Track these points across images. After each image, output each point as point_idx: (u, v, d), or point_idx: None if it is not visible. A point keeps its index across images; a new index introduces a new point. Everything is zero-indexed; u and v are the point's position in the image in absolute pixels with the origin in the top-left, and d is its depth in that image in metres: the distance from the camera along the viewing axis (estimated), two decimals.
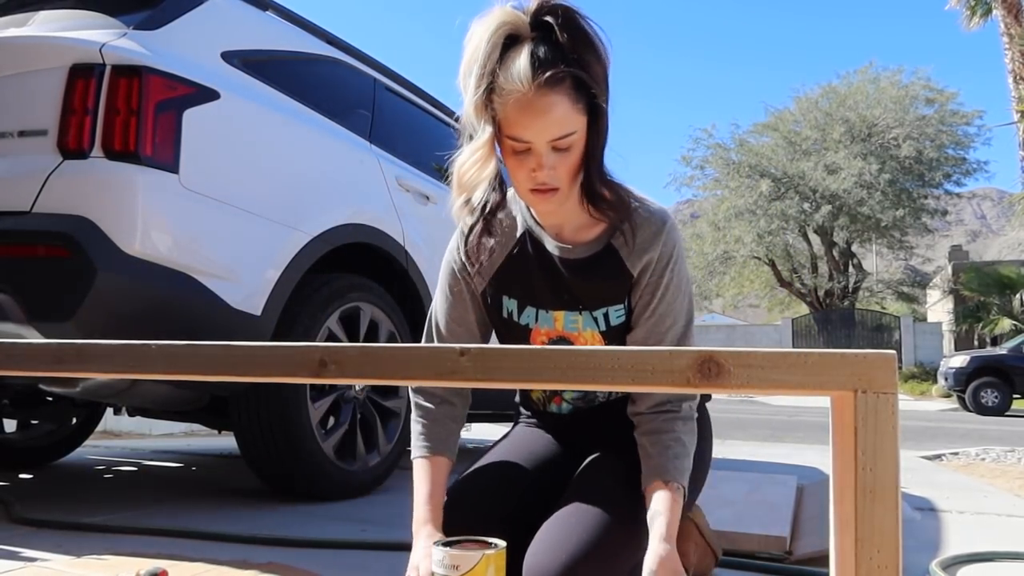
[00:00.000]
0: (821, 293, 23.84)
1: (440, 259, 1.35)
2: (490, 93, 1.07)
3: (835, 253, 23.57)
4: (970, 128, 21.93)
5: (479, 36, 1.07)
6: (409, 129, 3.38)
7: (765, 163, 22.49)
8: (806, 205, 22.07)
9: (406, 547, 1.20)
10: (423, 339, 1.36)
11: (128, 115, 2.03)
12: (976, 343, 20.16)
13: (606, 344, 1.24)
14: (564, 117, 1.07)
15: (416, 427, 1.28)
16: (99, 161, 2.02)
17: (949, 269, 23.95)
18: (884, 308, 25.31)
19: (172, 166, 2.09)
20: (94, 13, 2.30)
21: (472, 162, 1.11)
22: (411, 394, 1.31)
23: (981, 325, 19.26)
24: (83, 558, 1.73)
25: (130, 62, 2.07)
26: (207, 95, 2.21)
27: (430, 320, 1.35)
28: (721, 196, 23.51)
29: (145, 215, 2.04)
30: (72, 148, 2.03)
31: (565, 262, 1.23)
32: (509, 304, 1.27)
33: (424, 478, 1.23)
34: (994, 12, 16.18)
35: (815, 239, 23.92)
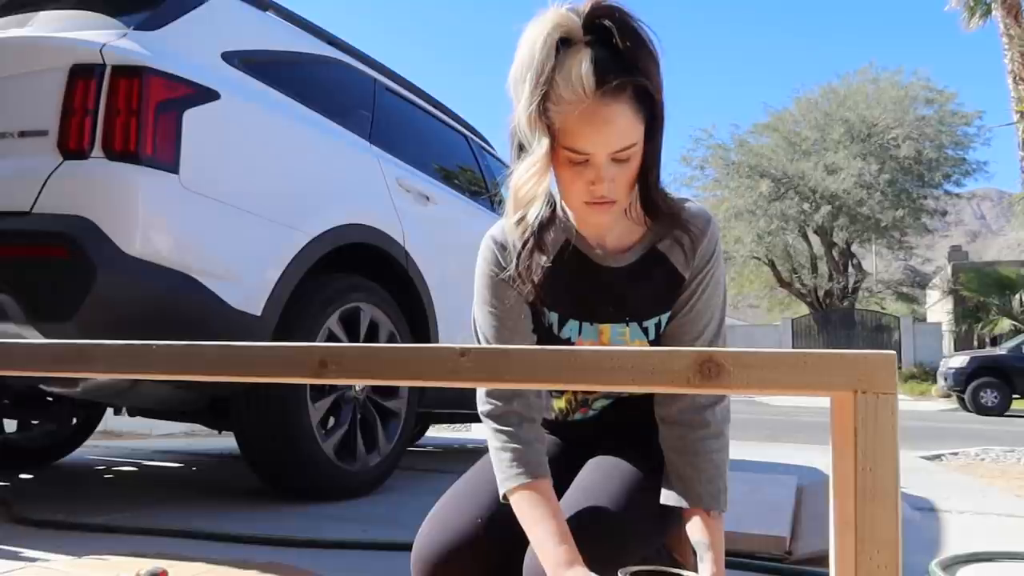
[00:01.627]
0: (821, 293, 23.84)
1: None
2: (545, 101, 1.00)
3: (835, 253, 23.57)
4: (970, 128, 21.95)
5: (532, 39, 1.01)
6: (409, 130, 3.38)
7: (765, 163, 22.48)
8: (806, 205, 22.06)
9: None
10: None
11: (128, 115, 2.03)
12: (976, 343, 20.16)
13: None
14: (627, 128, 1.02)
15: (505, 455, 1.14)
16: (99, 161, 2.02)
17: (949, 269, 23.95)
18: (884, 308, 25.31)
19: (172, 166, 2.09)
20: (94, 14, 2.30)
21: (529, 176, 1.04)
22: (485, 421, 1.18)
23: (981, 325, 19.27)
24: (84, 558, 1.73)
25: (130, 62, 2.07)
26: (207, 95, 2.22)
27: (480, 339, 1.23)
28: (721, 196, 23.50)
29: (145, 215, 2.04)
30: (72, 148, 2.03)
31: (611, 271, 1.18)
32: (551, 316, 1.21)
33: (542, 510, 1.07)
34: (994, 13, 16.18)
35: (815, 239, 23.92)
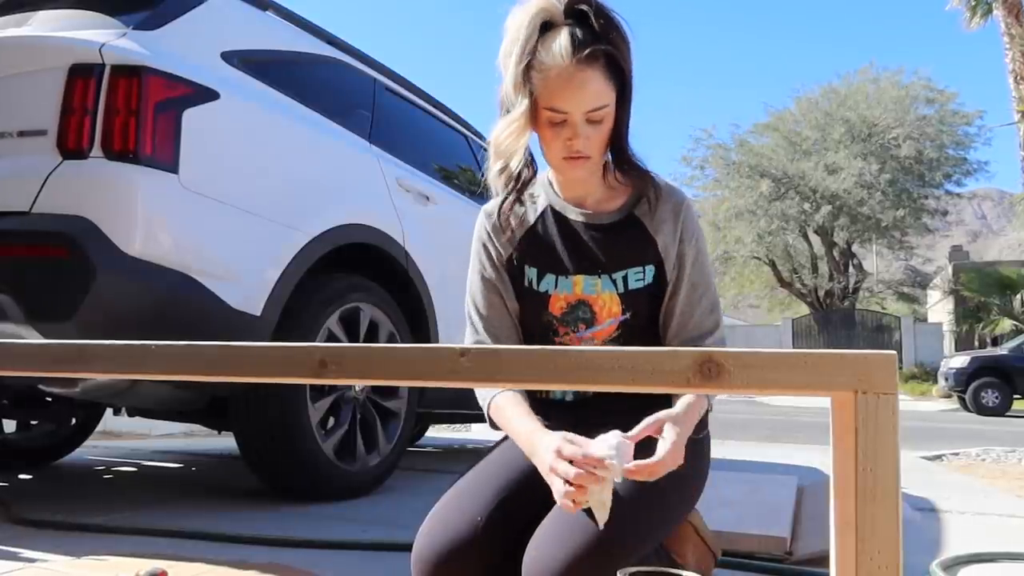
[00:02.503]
0: (821, 293, 23.84)
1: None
2: (528, 70, 1.16)
3: (835, 253, 23.57)
4: (970, 128, 21.95)
5: (519, 20, 1.17)
6: (409, 129, 3.38)
7: (765, 163, 22.49)
8: (806, 205, 22.07)
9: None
10: (466, 336, 1.37)
11: (128, 115, 2.03)
12: (976, 343, 20.16)
13: (623, 306, 1.29)
14: (599, 91, 1.17)
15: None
16: (99, 161, 2.02)
17: (949, 269, 23.95)
18: (884, 308, 25.31)
19: (172, 166, 2.09)
20: (93, 13, 2.30)
21: (509, 132, 1.20)
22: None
23: (981, 325, 19.28)
24: (83, 558, 1.73)
25: (130, 62, 2.07)
26: (207, 95, 2.21)
27: (469, 304, 1.37)
28: (721, 196, 23.51)
29: (145, 215, 2.04)
30: (72, 148, 2.03)
31: (588, 227, 1.30)
32: (530, 272, 1.32)
33: (518, 406, 1.23)
34: (995, 12, 16.18)
35: (815, 239, 23.92)
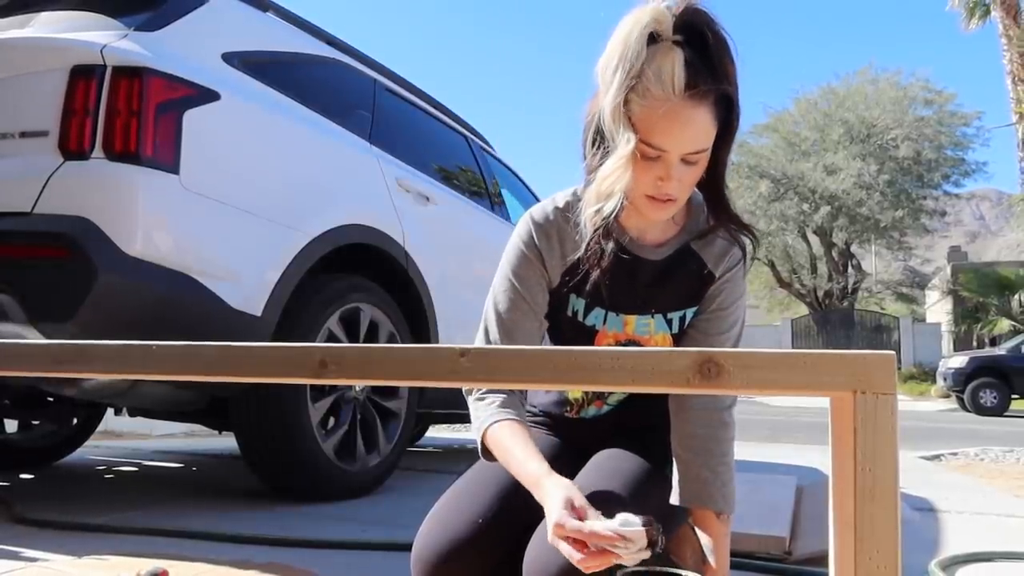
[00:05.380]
0: (820, 294, 23.84)
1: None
2: (630, 92, 1.04)
3: (834, 254, 23.57)
4: (969, 129, 21.95)
5: (627, 31, 1.04)
6: (409, 130, 3.38)
7: (764, 164, 22.48)
8: (805, 206, 22.06)
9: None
10: (479, 334, 1.25)
11: (129, 116, 2.03)
12: (975, 344, 20.17)
13: (674, 346, 1.23)
14: (704, 132, 1.06)
15: (484, 402, 1.17)
16: (100, 162, 2.02)
17: (948, 270, 23.95)
18: (883, 309, 25.30)
19: (173, 167, 2.09)
20: (95, 14, 2.30)
21: (614, 171, 1.06)
22: (469, 397, 1.22)
23: (980, 326, 19.27)
24: (84, 558, 1.73)
25: (131, 63, 2.07)
26: (208, 96, 2.22)
27: (488, 312, 1.24)
28: None
29: (146, 216, 2.04)
30: (73, 149, 2.03)
31: (645, 264, 1.21)
32: (576, 303, 1.23)
33: (522, 436, 1.11)
34: (993, 13, 16.20)
35: (814, 240, 23.91)
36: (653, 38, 1.03)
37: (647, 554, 0.93)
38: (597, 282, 1.19)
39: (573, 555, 0.93)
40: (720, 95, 1.06)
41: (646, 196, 1.11)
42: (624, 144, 1.04)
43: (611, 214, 1.13)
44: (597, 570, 0.94)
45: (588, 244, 1.18)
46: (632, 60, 1.02)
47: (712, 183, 1.16)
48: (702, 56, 1.04)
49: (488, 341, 1.22)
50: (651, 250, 1.22)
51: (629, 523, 0.93)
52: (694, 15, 1.04)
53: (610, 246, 1.17)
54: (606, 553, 0.92)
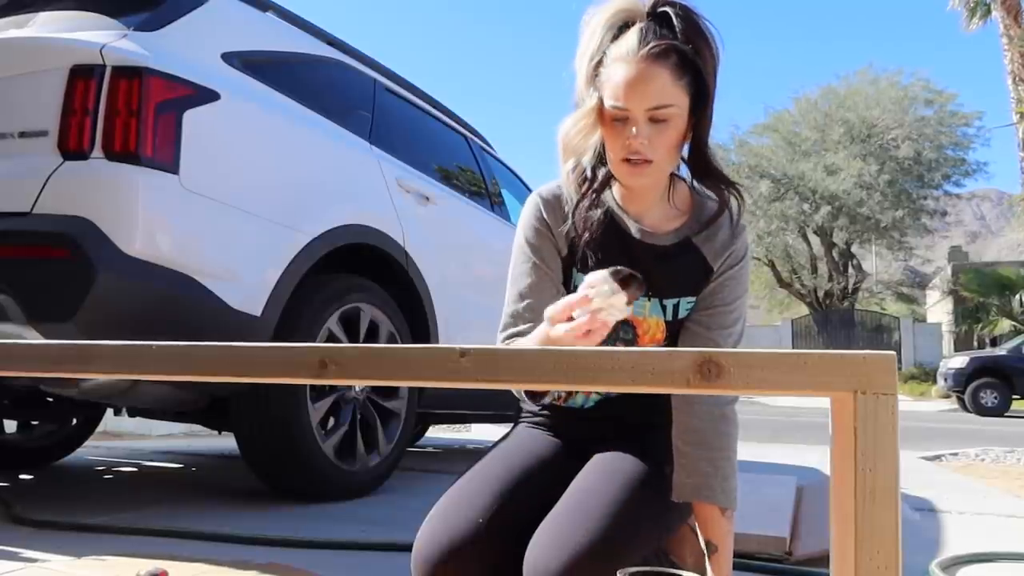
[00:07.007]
0: (821, 294, 23.84)
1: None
2: (598, 66, 1.13)
3: (835, 254, 23.57)
4: (969, 129, 21.97)
5: (596, 20, 1.14)
6: (409, 130, 3.38)
7: (764, 164, 22.49)
8: (805, 206, 22.07)
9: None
10: (501, 328, 1.26)
11: (128, 116, 2.03)
12: (976, 344, 20.17)
13: (667, 333, 1.25)
14: (663, 88, 1.10)
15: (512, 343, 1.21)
16: (99, 162, 2.02)
17: (948, 270, 23.95)
18: (884, 309, 25.31)
19: (172, 167, 2.09)
20: (94, 14, 2.30)
21: (577, 128, 1.15)
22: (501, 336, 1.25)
23: (980, 326, 19.28)
24: (83, 559, 1.73)
25: (130, 63, 2.07)
26: (207, 96, 2.22)
27: (509, 287, 1.27)
28: None
29: (145, 216, 2.04)
30: (72, 149, 2.03)
31: (645, 247, 1.24)
32: (577, 278, 1.26)
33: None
34: (993, 13, 16.21)
35: (815, 240, 23.92)
36: (627, 25, 1.12)
37: (624, 296, 0.96)
38: (596, 259, 1.23)
39: (577, 334, 0.96)
40: (681, 57, 1.10)
41: (622, 161, 1.15)
42: (588, 100, 1.13)
43: (601, 184, 1.20)
44: (598, 337, 0.96)
45: (575, 208, 1.23)
46: (600, 42, 1.13)
47: (695, 149, 1.20)
48: (665, 27, 1.11)
49: (512, 313, 1.24)
50: (652, 235, 1.25)
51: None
52: (666, 3, 1.12)
53: (597, 213, 1.22)
54: (592, 318, 0.95)
